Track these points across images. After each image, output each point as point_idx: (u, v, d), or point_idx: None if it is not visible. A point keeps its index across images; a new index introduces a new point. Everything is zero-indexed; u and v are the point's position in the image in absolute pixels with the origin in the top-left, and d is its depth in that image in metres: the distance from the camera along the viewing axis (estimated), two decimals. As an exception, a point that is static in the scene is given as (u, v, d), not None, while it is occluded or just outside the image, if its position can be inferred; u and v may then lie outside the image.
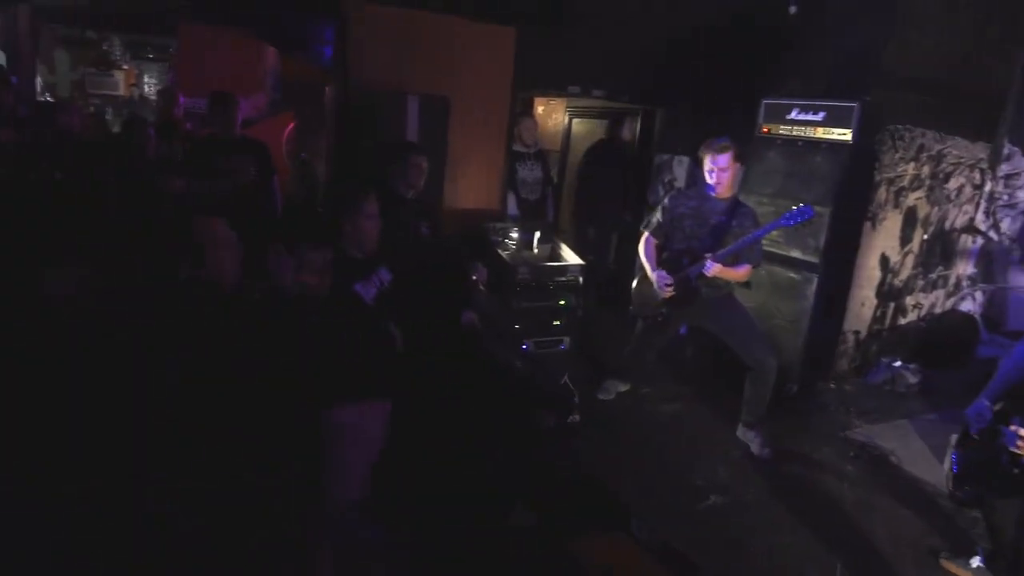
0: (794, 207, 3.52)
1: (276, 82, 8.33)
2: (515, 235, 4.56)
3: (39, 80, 11.13)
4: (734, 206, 3.68)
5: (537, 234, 4.53)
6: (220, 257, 3.64)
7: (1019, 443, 2.52)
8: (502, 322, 3.98)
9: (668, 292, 3.67)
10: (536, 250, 4.55)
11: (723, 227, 3.61)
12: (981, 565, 2.88)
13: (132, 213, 4.21)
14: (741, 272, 3.61)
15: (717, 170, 3.57)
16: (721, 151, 3.55)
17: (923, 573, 2.97)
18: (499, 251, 4.47)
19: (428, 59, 4.71)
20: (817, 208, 4.28)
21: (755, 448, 3.79)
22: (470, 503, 2.73)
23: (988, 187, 5.43)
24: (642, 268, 3.85)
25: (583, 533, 2.54)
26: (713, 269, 3.50)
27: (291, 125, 6.71)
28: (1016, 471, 2.56)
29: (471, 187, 4.99)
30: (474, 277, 3.67)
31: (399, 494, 2.69)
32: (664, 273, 3.67)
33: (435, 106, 4.51)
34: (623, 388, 4.20)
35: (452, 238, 4.11)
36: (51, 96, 10.84)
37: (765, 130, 4.73)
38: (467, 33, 4.84)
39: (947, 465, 2.86)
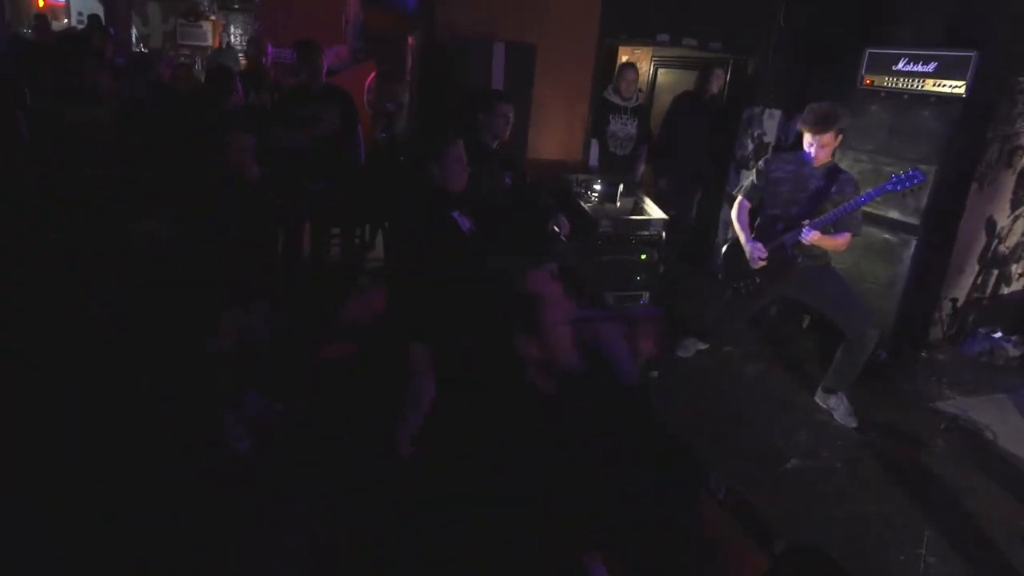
0: (902, 172, 3.31)
1: (358, 32, 8.38)
2: (598, 187, 4.48)
3: (134, 31, 11.59)
4: (834, 172, 3.48)
5: (621, 187, 4.44)
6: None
7: None
8: (583, 275, 3.96)
9: (761, 264, 3.53)
10: (619, 203, 4.47)
11: (822, 193, 3.43)
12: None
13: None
14: (840, 241, 3.44)
15: (817, 146, 3.38)
16: (824, 129, 3.33)
17: (1014, 554, 2.83)
18: (581, 203, 4.42)
19: (514, 5, 4.63)
20: (922, 167, 4.05)
21: (839, 415, 3.66)
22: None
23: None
24: (734, 234, 3.70)
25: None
26: (811, 236, 3.34)
27: (372, 75, 6.76)
28: None
29: (555, 137, 4.93)
30: (556, 229, 3.64)
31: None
32: (760, 245, 3.52)
33: (521, 54, 4.44)
34: (702, 347, 4.13)
35: (535, 189, 4.08)
36: (144, 47, 11.28)
37: (868, 82, 4.45)
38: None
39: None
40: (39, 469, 2.59)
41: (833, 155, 3.52)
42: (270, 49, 6.80)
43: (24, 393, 2.99)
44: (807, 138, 3.41)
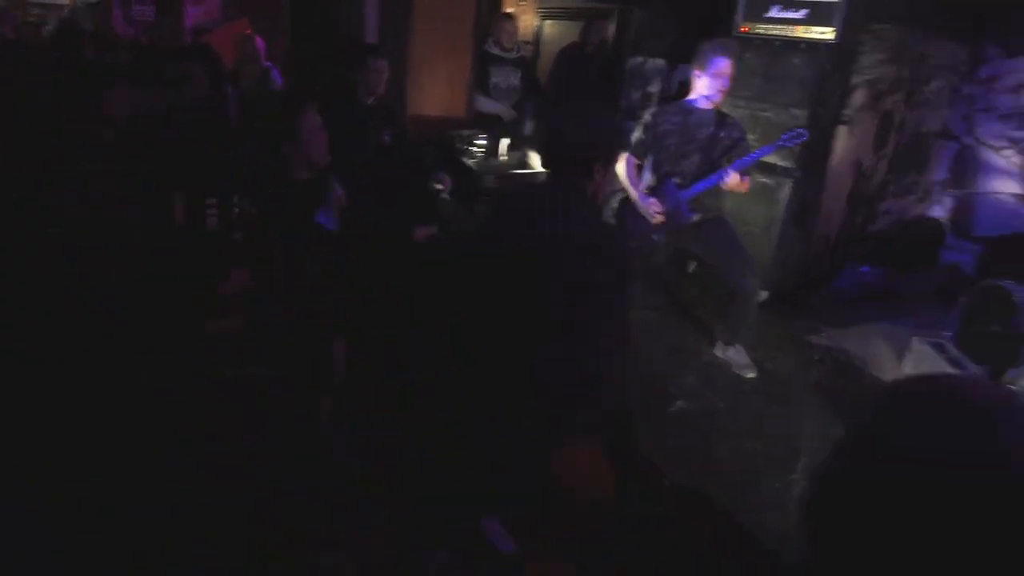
0: (789, 130, 3.43)
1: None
2: (482, 142, 4.39)
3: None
4: (720, 116, 3.49)
5: (505, 141, 4.37)
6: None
7: None
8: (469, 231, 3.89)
9: (659, 219, 3.49)
10: (505, 157, 4.40)
11: (713, 140, 3.43)
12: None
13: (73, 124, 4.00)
14: (746, 182, 3.45)
15: (725, 77, 3.34)
16: (729, 54, 3.31)
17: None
18: (464, 159, 4.32)
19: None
20: (793, 111, 4.19)
21: (737, 367, 3.73)
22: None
23: (967, 90, 5.32)
24: (623, 192, 3.64)
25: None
26: (732, 178, 3.30)
27: (248, 33, 6.32)
28: None
29: (436, 92, 4.77)
30: (438, 186, 3.55)
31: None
32: (654, 200, 3.47)
33: (396, 3, 4.24)
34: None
35: (416, 146, 3.95)
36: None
37: (744, 29, 4.54)
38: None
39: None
40: (37, 463, 2.44)
41: None
42: (116, 11, 6.22)
43: (21, 387, 2.77)
44: (716, 68, 3.34)
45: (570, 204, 1.98)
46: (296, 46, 4.66)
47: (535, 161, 4.49)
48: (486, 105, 4.84)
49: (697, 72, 3.43)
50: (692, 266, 4.40)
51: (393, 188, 3.58)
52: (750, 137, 3.86)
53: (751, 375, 3.69)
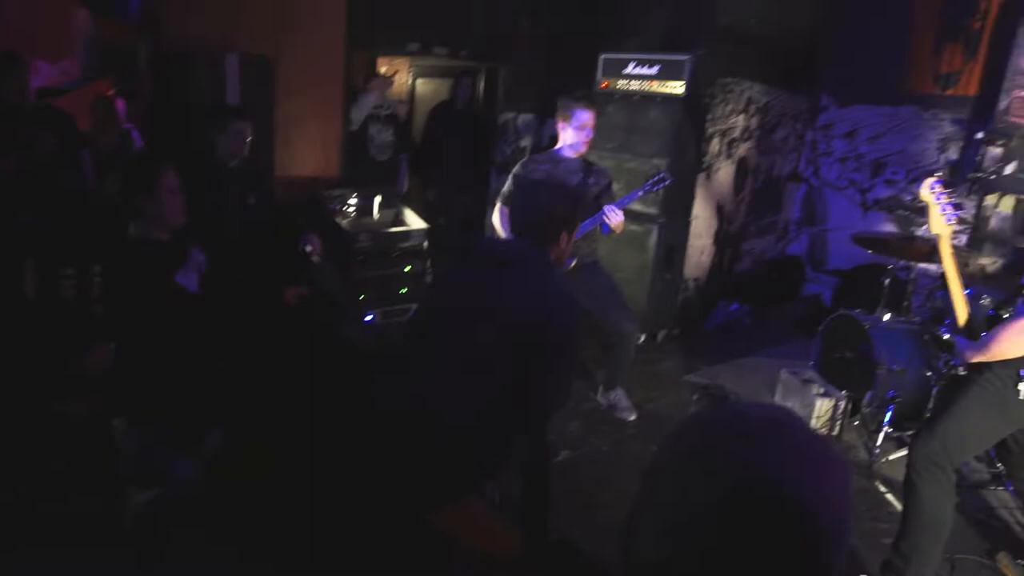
0: (653, 176, 3.64)
1: (90, 45, 7.50)
2: (354, 201, 4.34)
3: None
4: (587, 165, 3.63)
5: (378, 199, 4.34)
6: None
7: None
8: (343, 294, 3.81)
9: None
10: (377, 216, 4.36)
11: (583, 186, 3.54)
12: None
13: None
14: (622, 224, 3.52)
15: (589, 127, 3.48)
16: (591, 106, 3.48)
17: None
18: (337, 219, 4.25)
19: (250, 15, 4.33)
20: (655, 161, 4.41)
21: (620, 410, 3.78)
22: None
23: (809, 137, 5.81)
24: None
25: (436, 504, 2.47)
26: (616, 216, 3.40)
27: (110, 93, 6.06)
28: None
29: (308, 153, 4.69)
30: (307, 248, 3.47)
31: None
32: None
33: (258, 66, 4.17)
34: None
35: (283, 207, 3.86)
36: None
37: (604, 85, 4.77)
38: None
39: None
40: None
41: None
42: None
43: None
44: (578, 121, 3.46)
45: (539, 268, 2.05)
46: (157, 107, 4.48)
47: (410, 218, 4.49)
48: (359, 111, 4.88)
49: (562, 124, 3.55)
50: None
51: (259, 250, 3.47)
52: (615, 186, 3.99)
53: (632, 417, 3.77)
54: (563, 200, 2.21)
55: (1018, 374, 2.20)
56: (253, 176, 3.72)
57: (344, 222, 4.22)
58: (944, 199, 2.41)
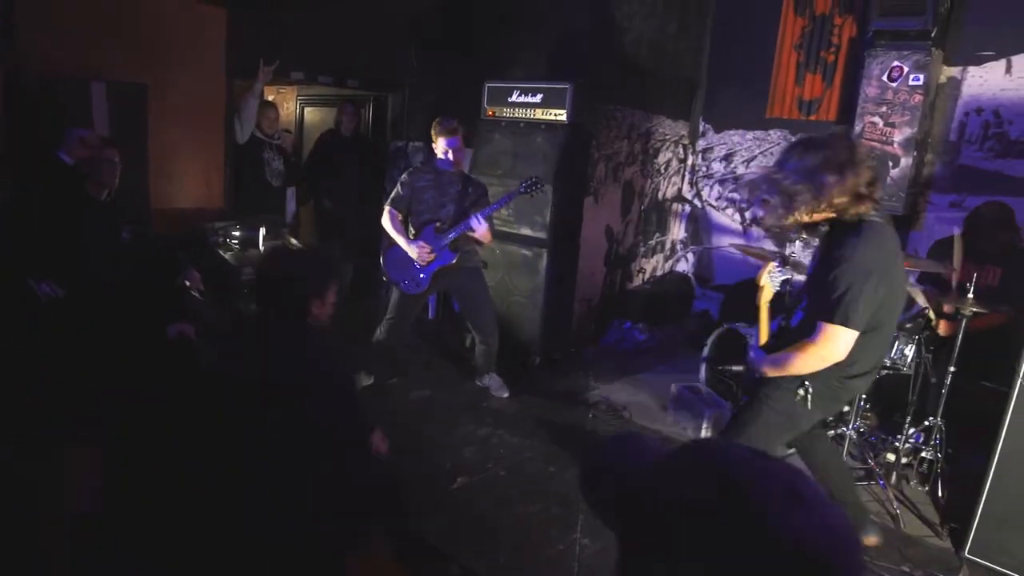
0: (524, 181, 3.91)
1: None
2: (238, 233, 4.20)
3: None
4: (465, 177, 4.01)
5: (262, 230, 4.22)
6: None
7: None
8: (224, 329, 3.65)
9: (431, 258, 3.85)
10: (263, 248, 4.24)
11: (462, 195, 3.93)
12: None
13: None
14: (489, 234, 3.89)
15: (453, 151, 3.85)
16: (452, 133, 3.83)
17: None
18: (221, 252, 4.10)
19: (119, 41, 4.15)
20: (544, 186, 4.50)
21: (494, 390, 4.24)
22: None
23: (690, 160, 6.11)
24: (390, 240, 3.95)
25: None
26: (479, 226, 3.74)
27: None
28: None
29: (189, 184, 4.51)
30: (186, 283, 3.32)
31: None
32: (422, 242, 3.85)
33: (128, 94, 3.99)
34: (368, 382, 4.09)
35: (156, 242, 3.68)
36: None
37: (490, 113, 4.86)
38: (168, 15, 4.35)
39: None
40: None
41: None
42: None
43: None
44: (442, 145, 3.87)
45: (296, 343, 2.03)
46: (16, 141, 4.20)
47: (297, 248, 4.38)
48: (245, 120, 4.78)
49: (435, 140, 3.93)
50: (469, 339, 4.49)
51: (134, 286, 3.29)
52: (504, 213, 4.41)
53: (505, 395, 4.23)
54: (296, 272, 2.15)
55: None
56: (126, 210, 3.54)
57: (228, 255, 4.06)
58: (777, 276, 2.71)
